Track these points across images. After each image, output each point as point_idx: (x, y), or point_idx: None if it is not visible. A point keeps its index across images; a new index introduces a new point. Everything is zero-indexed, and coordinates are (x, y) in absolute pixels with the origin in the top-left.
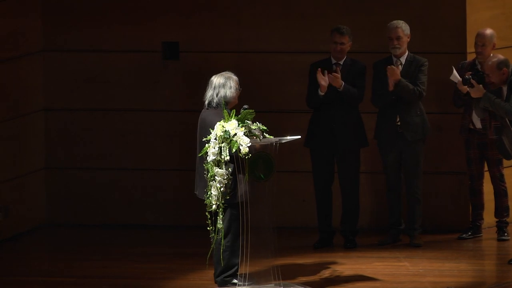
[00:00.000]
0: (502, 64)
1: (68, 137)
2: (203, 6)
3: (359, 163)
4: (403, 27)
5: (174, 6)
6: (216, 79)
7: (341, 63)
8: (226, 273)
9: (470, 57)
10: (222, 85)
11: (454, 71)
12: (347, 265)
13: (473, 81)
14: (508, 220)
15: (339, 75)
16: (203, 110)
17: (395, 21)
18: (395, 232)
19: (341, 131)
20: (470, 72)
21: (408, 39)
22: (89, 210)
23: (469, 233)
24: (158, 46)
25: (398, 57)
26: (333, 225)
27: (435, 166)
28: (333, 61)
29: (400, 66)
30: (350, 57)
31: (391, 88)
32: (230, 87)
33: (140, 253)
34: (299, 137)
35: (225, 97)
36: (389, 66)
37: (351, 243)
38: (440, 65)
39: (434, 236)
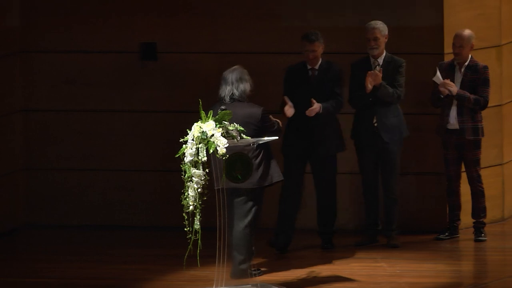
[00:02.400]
0: None
1: (47, 138)
2: (181, 6)
3: (336, 166)
4: (381, 28)
5: (152, 7)
6: (231, 75)
7: (317, 68)
8: (249, 262)
9: (448, 58)
10: (240, 79)
11: (438, 73)
12: (324, 265)
13: None
14: (485, 220)
15: (316, 108)
16: (219, 104)
17: (372, 22)
18: (372, 233)
19: (318, 136)
20: None
21: (386, 40)
22: (68, 211)
23: (446, 234)
24: (136, 47)
25: (376, 57)
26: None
27: (412, 166)
28: (308, 66)
29: (378, 67)
30: (325, 60)
31: (368, 90)
32: (247, 80)
33: (119, 254)
34: (277, 137)
35: (244, 91)
36: (370, 71)
37: (328, 244)
38: (418, 66)
39: (411, 237)
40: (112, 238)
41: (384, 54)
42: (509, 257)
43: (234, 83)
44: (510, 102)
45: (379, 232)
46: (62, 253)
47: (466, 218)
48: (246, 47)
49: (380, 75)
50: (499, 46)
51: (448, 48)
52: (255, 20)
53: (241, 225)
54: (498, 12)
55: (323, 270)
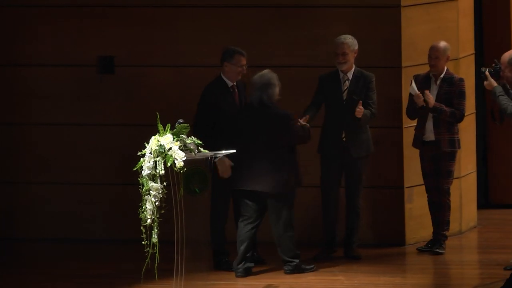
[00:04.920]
0: None
1: (5, 151)
2: (139, 20)
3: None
4: (349, 43)
5: (110, 20)
6: (260, 80)
7: (235, 84)
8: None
9: (406, 72)
10: (267, 84)
11: (413, 84)
12: (281, 279)
13: (487, 74)
14: (447, 234)
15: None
16: (246, 109)
17: (342, 36)
18: (331, 246)
19: None
20: (493, 64)
21: (355, 54)
22: (26, 224)
23: (428, 245)
24: (94, 60)
25: (345, 72)
26: None
27: (371, 180)
28: (230, 83)
29: (347, 82)
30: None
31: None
32: (275, 85)
33: (76, 268)
34: (234, 151)
35: (272, 95)
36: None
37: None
38: (375, 79)
39: (369, 250)
40: (69, 251)
41: (354, 68)
42: (467, 270)
43: (263, 88)
44: (467, 115)
45: (338, 245)
46: (19, 266)
47: (423, 231)
48: (205, 61)
49: (362, 110)
50: (456, 59)
51: (405, 61)
52: (215, 33)
53: (279, 228)
54: (455, 26)
55: (281, 283)
